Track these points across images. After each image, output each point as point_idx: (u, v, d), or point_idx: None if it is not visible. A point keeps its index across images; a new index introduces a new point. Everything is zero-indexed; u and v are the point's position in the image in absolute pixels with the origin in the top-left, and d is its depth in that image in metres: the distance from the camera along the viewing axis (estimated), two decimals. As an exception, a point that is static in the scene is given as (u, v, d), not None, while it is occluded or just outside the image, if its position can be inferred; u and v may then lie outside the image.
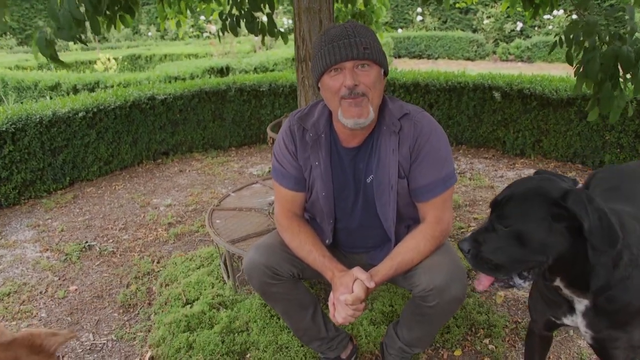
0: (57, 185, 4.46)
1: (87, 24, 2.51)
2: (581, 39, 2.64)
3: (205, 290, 2.65)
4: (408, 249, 1.69)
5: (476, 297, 2.54)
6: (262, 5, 3.34)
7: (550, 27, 14.43)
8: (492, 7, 15.34)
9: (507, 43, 14.41)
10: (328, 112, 1.76)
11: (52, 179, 4.41)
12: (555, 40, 2.81)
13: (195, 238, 3.46)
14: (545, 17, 14.08)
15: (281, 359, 2.13)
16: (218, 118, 5.49)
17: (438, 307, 1.67)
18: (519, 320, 2.38)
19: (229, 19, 3.52)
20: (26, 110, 4.26)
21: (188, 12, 4.44)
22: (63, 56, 11.80)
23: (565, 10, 14.30)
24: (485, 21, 15.12)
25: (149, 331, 2.48)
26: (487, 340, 2.25)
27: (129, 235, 3.58)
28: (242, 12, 3.40)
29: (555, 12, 13.67)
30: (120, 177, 4.81)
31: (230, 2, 3.78)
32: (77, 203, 4.23)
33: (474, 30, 15.69)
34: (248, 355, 2.20)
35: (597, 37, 2.52)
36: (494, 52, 14.32)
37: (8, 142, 4.04)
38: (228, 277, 2.71)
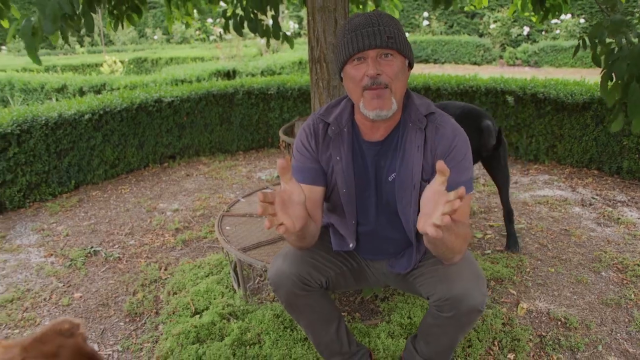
0: (62, 189, 4.37)
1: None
2: (605, 37, 2.52)
3: (214, 299, 2.55)
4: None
5: (497, 309, 2.44)
6: (266, 7, 3.25)
7: (558, 31, 14.33)
8: (498, 11, 15.25)
9: (514, 48, 14.31)
10: (351, 106, 1.70)
11: (58, 182, 4.33)
12: (579, 43, 2.70)
13: (203, 244, 3.37)
14: (553, 21, 13.99)
15: (296, 373, 2.04)
16: (225, 121, 5.40)
17: (455, 318, 1.58)
18: (544, 334, 2.28)
19: (232, 19, 3.44)
20: (32, 111, 4.18)
21: (195, 13, 4.37)
22: (70, 59, 11.78)
23: (572, 14, 14.24)
24: (492, 26, 15.02)
25: (156, 342, 2.38)
26: (511, 356, 2.14)
27: (135, 240, 3.49)
28: (245, 12, 3.32)
29: (563, 16, 13.58)
30: (126, 180, 4.72)
31: (235, 1, 3.71)
32: (82, 207, 4.14)
33: (481, 35, 15.60)
34: (260, 369, 2.10)
35: (624, 37, 2.41)
36: (501, 57, 14.23)
37: (13, 144, 3.96)
38: (239, 286, 2.61)
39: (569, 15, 13.75)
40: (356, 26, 1.52)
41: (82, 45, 17.18)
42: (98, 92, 6.95)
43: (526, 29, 14.78)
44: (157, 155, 5.07)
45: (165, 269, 3.06)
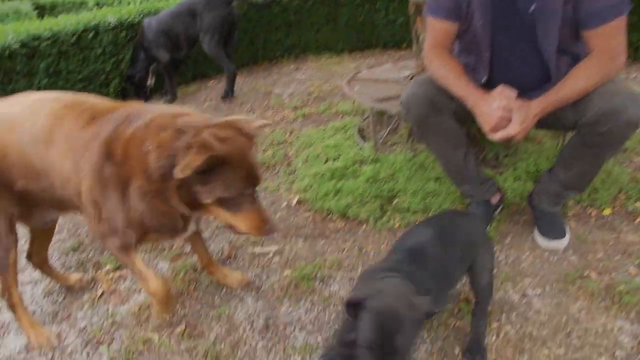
0: (181, 79, 4.71)
1: None
2: None
3: (344, 150, 2.73)
4: (573, 85, 1.65)
5: (623, 168, 2.44)
6: None
7: None
8: None
9: None
10: None
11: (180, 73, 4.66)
12: None
13: (323, 117, 3.55)
14: None
15: (430, 202, 2.19)
16: (331, 21, 5.45)
17: (609, 133, 1.63)
18: (673, 192, 2.29)
19: None
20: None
21: None
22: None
23: None
24: None
25: (293, 183, 2.62)
26: (638, 204, 2.18)
27: (257, 115, 3.74)
28: None
29: None
30: (238, 72, 4.96)
31: None
32: (201, 92, 4.47)
33: None
34: (396, 200, 2.27)
35: None
36: None
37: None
38: (365, 142, 2.78)
39: None
40: None
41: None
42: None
43: None
44: (266, 52, 5.28)
45: (291, 134, 3.29)
